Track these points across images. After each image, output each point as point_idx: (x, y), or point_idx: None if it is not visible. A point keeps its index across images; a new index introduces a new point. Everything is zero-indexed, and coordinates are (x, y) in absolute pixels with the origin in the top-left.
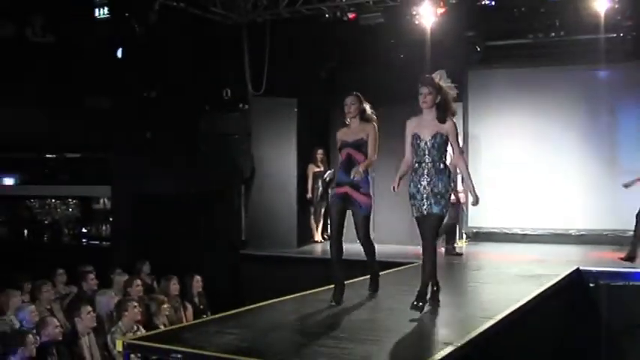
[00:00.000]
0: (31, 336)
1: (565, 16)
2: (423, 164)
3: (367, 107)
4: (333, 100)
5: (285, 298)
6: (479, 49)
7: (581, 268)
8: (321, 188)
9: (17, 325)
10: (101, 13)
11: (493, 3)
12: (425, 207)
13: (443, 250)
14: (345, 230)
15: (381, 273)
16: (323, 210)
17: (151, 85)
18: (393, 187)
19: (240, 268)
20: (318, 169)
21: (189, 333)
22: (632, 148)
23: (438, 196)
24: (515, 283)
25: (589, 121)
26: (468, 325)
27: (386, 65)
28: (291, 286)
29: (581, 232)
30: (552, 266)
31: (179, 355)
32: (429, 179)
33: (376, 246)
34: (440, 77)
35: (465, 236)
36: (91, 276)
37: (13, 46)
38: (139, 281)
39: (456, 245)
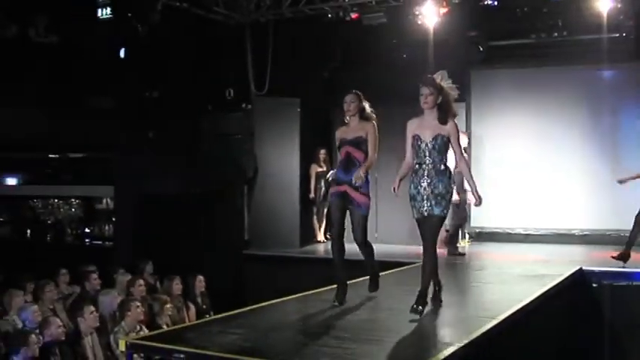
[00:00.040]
0: (33, 336)
1: (568, 16)
2: (424, 165)
3: (367, 106)
4: (336, 100)
5: (287, 298)
6: (481, 49)
7: (584, 268)
8: (323, 188)
9: (20, 325)
10: (104, 13)
11: (496, 3)
12: (425, 208)
13: (445, 250)
14: (346, 230)
15: (383, 273)
16: (326, 210)
17: (154, 85)
18: (394, 189)
19: (242, 268)
20: (320, 169)
21: (192, 333)
22: (635, 147)
23: (439, 197)
24: (518, 283)
25: (592, 121)
26: (470, 325)
27: (388, 65)
28: (293, 286)
29: (584, 232)
30: (555, 266)
31: (182, 355)
32: (429, 180)
33: (377, 246)
34: (441, 78)
35: (467, 236)
36: (94, 276)
37: (16, 46)
38: (141, 281)
39: (458, 245)
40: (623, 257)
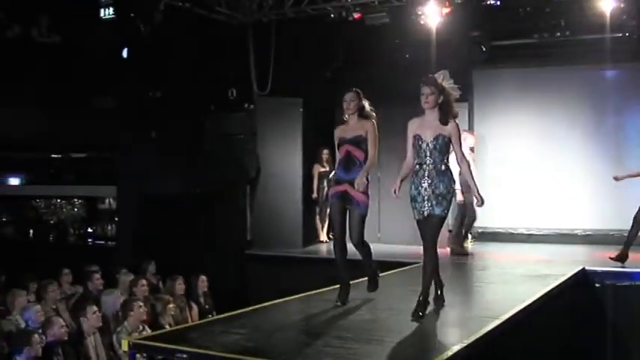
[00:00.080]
0: (36, 336)
1: (570, 16)
2: (424, 166)
3: (366, 104)
4: (339, 100)
5: (290, 298)
6: (484, 48)
7: (586, 268)
8: (326, 188)
9: (23, 325)
10: (106, 13)
11: (498, 3)
12: (426, 208)
13: (448, 250)
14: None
15: (385, 273)
16: (328, 210)
17: (156, 85)
18: (394, 191)
19: (245, 268)
20: (323, 169)
21: (195, 333)
22: (638, 147)
23: (440, 198)
24: (521, 283)
25: (594, 121)
26: (473, 325)
27: (391, 65)
28: (296, 286)
29: (587, 232)
30: (558, 266)
31: (184, 355)
32: (430, 181)
33: (380, 246)
34: (443, 77)
35: (470, 236)
36: (97, 276)
37: (19, 46)
38: (144, 281)
39: (465, 245)
40: (621, 258)
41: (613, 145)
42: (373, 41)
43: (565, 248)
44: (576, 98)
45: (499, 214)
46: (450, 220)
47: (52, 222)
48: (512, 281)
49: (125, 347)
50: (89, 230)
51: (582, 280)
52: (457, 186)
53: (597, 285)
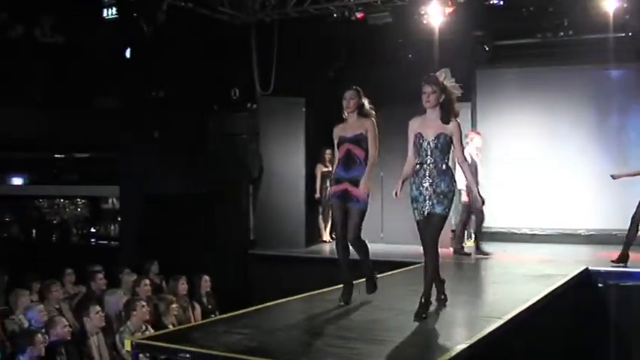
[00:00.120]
0: (39, 335)
1: (573, 16)
2: (425, 165)
3: (366, 102)
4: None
5: (293, 297)
6: (487, 48)
7: (590, 268)
8: (329, 188)
9: (26, 325)
10: (109, 13)
11: (501, 2)
12: (427, 207)
13: (451, 249)
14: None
15: (389, 273)
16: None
17: (159, 84)
18: (395, 193)
19: (248, 268)
20: (326, 169)
21: (198, 333)
22: None
23: (441, 196)
24: (524, 283)
25: (598, 121)
26: (476, 325)
27: (394, 65)
28: (299, 285)
29: (590, 232)
30: (561, 266)
31: (187, 355)
32: (430, 180)
33: (383, 246)
34: (444, 76)
35: (473, 236)
36: (100, 276)
37: (22, 46)
38: (147, 281)
39: (464, 245)
40: (623, 259)
41: (616, 145)
42: (376, 41)
43: (568, 248)
44: (579, 98)
45: (502, 214)
46: (452, 220)
47: (55, 222)
48: (515, 281)
49: (128, 347)
50: (92, 230)
51: (585, 280)
52: (462, 186)
53: (600, 285)
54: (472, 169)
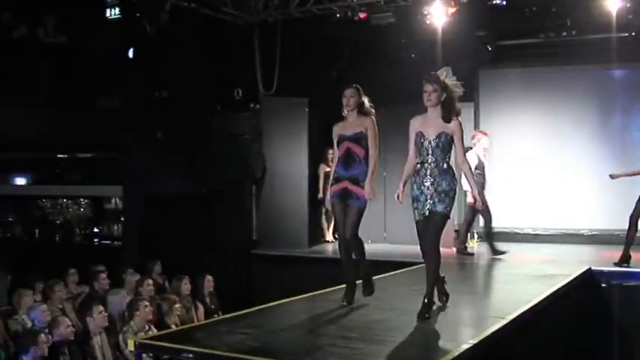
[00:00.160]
0: (43, 335)
1: (576, 16)
2: (426, 164)
3: (366, 100)
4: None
5: (295, 298)
6: (490, 48)
7: (593, 268)
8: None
9: (29, 325)
10: (112, 13)
11: (504, 2)
12: (428, 206)
13: (454, 249)
14: None
15: (392, 273)
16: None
17: (162, 85)
18: (397, 196)
19: (251, 268)
20: (329, 169)
21: (201, 333)
22: None
23: (442, 195)
24: (527, 283)
25: (601, 121)
26: (479, 325)
27: (397, 65)
28: (301, 286)
29: (593, 232)
30: (564, 266)
31: (190, 355)
32: (432, 179)
33: (386, 246)
34: (446, 75)
35: (476, 236)
36: (103, 276)
37: (25, 46)
38: (150, 281)
39: (467, 245)
40: (625, 260)
41: (619, 145)
42: (379, 41)
43: (571, 248)
44: (582, 98)
45: (505, 214)
46: (455, 220)
47: (58, 222)
48: (518, 281)
49: (131, 347)
50: (95, 230)
51: (588, 280)
52: (468, 188)
53: (603, 285)
54: (480, 170)
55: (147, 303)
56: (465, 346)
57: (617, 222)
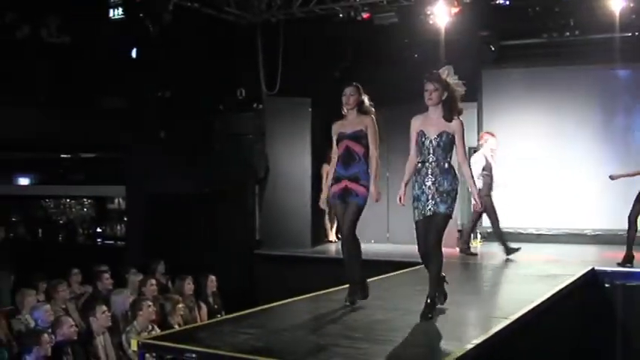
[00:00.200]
0: (46, 335)
1: (579, 16)
2: (427, 164)
3: (365, 99)
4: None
5: (299, 298)
6: (493, 48)
7: (596, 268)
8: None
9: (32, 325)
10: (115, 13)
11: (507, 2)
12: (430, 207)
13: (458, 249)
14: (355, 230)
15: (395, 273)
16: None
17: (166, 85)
18: (400, 198)
19: (254, 268)
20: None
21: (204, 333)
22: None
23: (444, 195)
24: (530, 283)
25: (604, 121)
26: (482, 325)
27: (400, 65)
28: (304, 286)
29: (597, 232)
30: (567, 266)
31: (194, 355)
32: (433, 179)
33: (389, 246)
34: (447, 73)
35: (479, 236)
36: (106, 275)
37: (28, 46)
38: (153, 281)
39: (470, 245)
40: (628, 260)
41: (622, 145)
42: (382, 41)
43: (574, 248)
44: (585, 98)
45: (508, 213)
46: (458, 220)
47: (61, 222)
48: (521, 281)
49: (134, 347)
50: (98, 230)
51: (592, 280)
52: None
53: (607, 285)
54: (488, 171)
55: (150, 303)
56: (469, 346)
57: (620, 222)
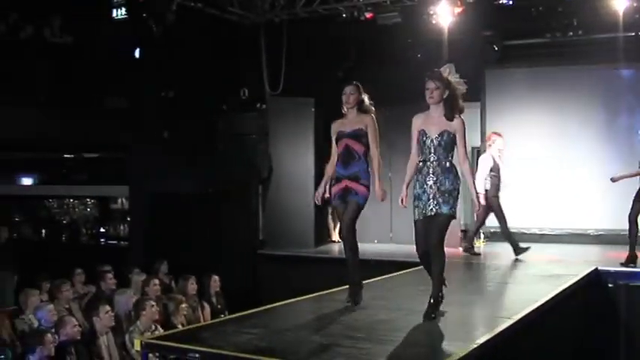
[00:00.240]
0: (49, 335)
1: (583, 15)
2: (428, 163)
3: (365, 98)
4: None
5: (302, 298)
6: (496, 48)
7: (599, 268)
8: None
9: (36, 325)
10: (119, 13)
11: (510, 2)
12: (431, 207)
13: (461, 249)
14: (357, 231)
15: (398, 273)
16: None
17: (169, 85)
18: (401, 200)
19: (257, 268)
20: None
21: (207, 333)
22: None
23: (446, 194)
24: (534, 283)
25: (607, 120)
26: (486, 325)
27: (403, 65)
28: (308, 286)
29: (600, 232)
30: (571, 266)
31: (197, 355)
32: (435, 178)
33: (392, 246)
34: (449, 72)
35: (482, 236)
36: (110, 275)
37: (31, 46)
38: (156, 281)
39: (474, 245)
40: (632, 260)
41: (626, 145)
42: (385, 41)
43: (577, 248)
44: (589, 98)
45: (511, 213)
46: (462, 220)
47: (64, 222)
48: (524, 281)
49: (137, 347)
50: (101, 230)
51: (595, 280)
52: (481, 190)
53: (610, 285)
54: (495, 172)
55: (153, 303)
56: (472, 346)
57: (623, 222)
